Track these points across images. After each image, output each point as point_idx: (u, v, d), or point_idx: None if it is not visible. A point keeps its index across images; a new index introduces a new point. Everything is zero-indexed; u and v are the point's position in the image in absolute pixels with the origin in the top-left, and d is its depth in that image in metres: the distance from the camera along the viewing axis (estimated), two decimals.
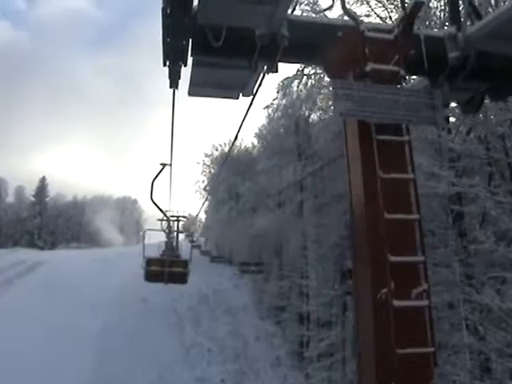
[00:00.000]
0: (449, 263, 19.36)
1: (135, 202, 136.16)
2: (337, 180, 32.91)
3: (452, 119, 20.91)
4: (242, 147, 63.33)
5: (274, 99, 39.55)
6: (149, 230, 25.41)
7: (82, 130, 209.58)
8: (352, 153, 6.01)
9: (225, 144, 71.54)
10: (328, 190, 33.67)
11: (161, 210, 20.09)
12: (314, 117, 39.64)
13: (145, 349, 37.59)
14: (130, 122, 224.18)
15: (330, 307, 32.25)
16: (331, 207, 33.55)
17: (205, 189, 76.87)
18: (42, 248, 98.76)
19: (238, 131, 9.41)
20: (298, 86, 28.42)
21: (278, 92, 29.35)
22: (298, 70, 27.47)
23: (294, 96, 38.34)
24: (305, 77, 27.70)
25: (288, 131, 40.21)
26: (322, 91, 31.26)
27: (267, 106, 39.73)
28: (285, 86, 28.67)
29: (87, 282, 50.91)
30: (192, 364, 37.67)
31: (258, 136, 51.65)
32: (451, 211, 19.96)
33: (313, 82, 28.32)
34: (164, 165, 16.31)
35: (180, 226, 55.70)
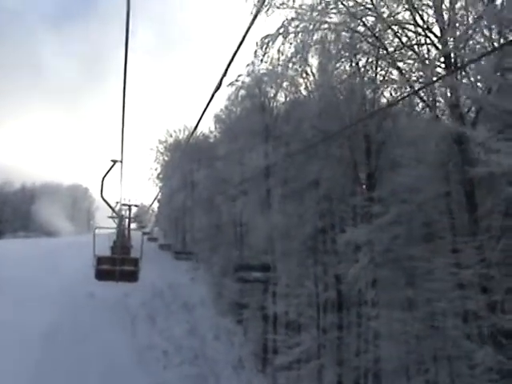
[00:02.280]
0: None
1: (86, 190, 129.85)
2: (311, 165, 28.59)
3: None
4: (199, 133, 58.24)
5: (239, 76, 34.96)
6: (99, 227, 23.80)
7: (32, 114, 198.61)
8: None
9: (180, 130, 67.43)
10: (301, 176, 29.14)
11: (112, 208, 19.40)
12: (281, 96, 34.95)
13: (94, 351, 32.77)
14: (84, 107, 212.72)
15: (304, 308, 27.88)
16: (304, 195, 29.10)
17: (158, 177, 72.73)
18: None
19: (202, 114, 8.17)
20: (282, 44, 23.99)
21: (255, 53, 24.64)
22: (282, 25, 22.91)
23: (260, 71, 33.86)
24: (291, 34, 23.16)
25: (253, 111, 35.38)
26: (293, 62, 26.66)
27: (231, 83, 34.97)
28: (264, 44, 23.98)
29: (33, 274, 45.81)
30: (147, 368, 32.79)
31: (217, 119, 46.53)
32: None
33: (299, 39, 23.67)
34: (115, 161, 15.34)
35: (132, 215, 51.94)
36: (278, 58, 25.89)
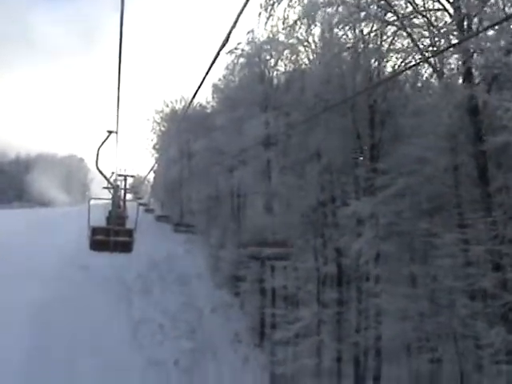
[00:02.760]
0: None
1: (81, 160, 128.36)
2: (312, 136, 27.57)
3: None
4: (196, 103, 56.81)
5: (239, 44, 33.75)
6: (94, 198, 22.48)
7: (25, 82, 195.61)
8: None
9: (176, 100, 66.08)
10: (302, 147, 28.13)
11: (107, 179, 18.59)
12: (281, 65, 33.75)
13: (87, 327, 31.78)
14: (78, 74, 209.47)
15: (304, 282, 27.08)
16: (305, 167, 28.12)
17: (154, 147, 71.77)
18: None
19: (202, 82, 7.60)
20: (288, 6, 22.97)
21: (259, 15, 23.49)
22: None
23: (261, 40, 32.73)
24: None
25: (253, 80, 34.14)
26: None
27: (230, 51, 33.73)
28: (269, 6, 22.82)
29: (24, 246, 44.46)
30: (142, 343, 31.94)
31: (215, 89, 45.21)
32: None
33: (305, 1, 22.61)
34: (110, 132, 15.13)
35: (128, 186, 50.96)
36: (283, 21, 24.67)
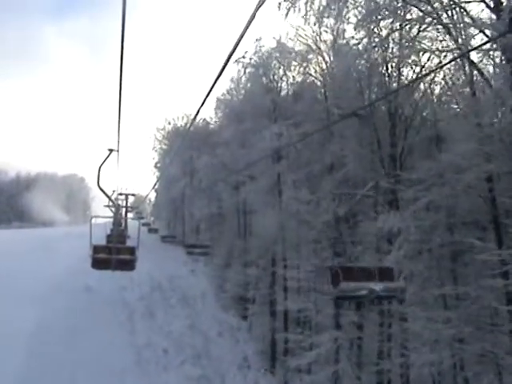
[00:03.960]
0: None
1: (82, 179, 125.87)
2: (328, 147, 25.49)
3: None
4: (198, 119, 54.89)
5: (246, 52, 31.83)
6: (96, 216, 21.78)
7: (25, 102, 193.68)
8: None
9: (178, 118, 64.29)
10: (316, 159, 26.01)
11: (109, 197, 18.56)
12: (291, 74, 31.79)
13: (88, 352, 29.34)
14: (80, 92, 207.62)
15: (320, 304, 24.75)
16: (320, 180, 25.97)
17: (156, 166, 69.91)
18: None
19: (208, 95, 7.38)
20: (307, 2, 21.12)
21: (279, 6, 21.45)
22: None
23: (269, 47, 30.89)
24: None
25: (261, 90, 32.11)
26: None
27: (237, 61, 31.73)
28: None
29: (24, 267, 42.13)
30: (145, 369, 29.54)
31: (220, 102, 43.23)
32: None
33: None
34: (111, 150, 15.19)
35: (129, 204, 48.80)
36: (306, 13, 22.61)
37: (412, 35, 21.58)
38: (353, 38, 24.54)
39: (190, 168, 58.06)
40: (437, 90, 23.04)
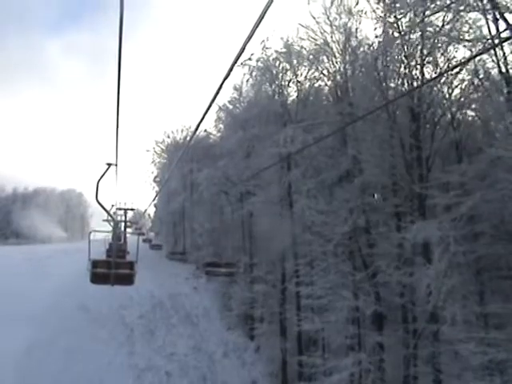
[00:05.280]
0: None
1: (80, 195, 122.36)
2: (345, 151, 23.17)
3: None
4: (198, 132, 52.53)
5: (252, 54, 29.56)
6: (95, 231, 21.76)
7: (22, 117, 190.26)
8: None
9: (177, 131, 62.19)
10: (332, 165, 23.65)
11: (107, 211, 18.40)
12: (301, 75, 29.40)
13: (85, 376, 26.94)
14: (78, 106, 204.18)
15: (340, 324, 22.17)
16: (337, 187, 23.59)
17: (155, 180, 67.80)
18: None
19: (211, 103, 7.18)
20: None
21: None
22: None
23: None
24: None
25: (269, 93, 29.84)
26: None
27: (243, 63, 29.47)
28: None
29: (17, 285, 39.70)
30: None
31: (222, 111, 40.70)
32: None
33: None
34: (109, 165, 14.86)
35: (128, 219, 46.41)
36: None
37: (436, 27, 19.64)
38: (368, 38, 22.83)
39: (191, 181, 56.11)
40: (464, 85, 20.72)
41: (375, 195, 24.12)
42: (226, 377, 30.58)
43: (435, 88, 21.11)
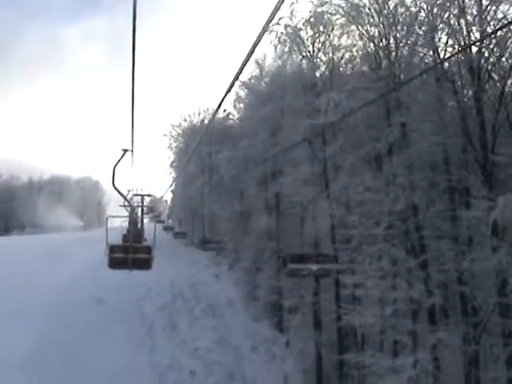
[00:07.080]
0: None
1: (97, 183, 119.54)
2: (393, 119, 19.87)
3: None
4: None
5: (280, 19, 26.17)
6: (112, 216, 23.11)
7: (37, 105, 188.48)
8: None
9: (194, 114, 60.02)
10: (380, 135, 20.33)
11: (124, 196, 17.95)
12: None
13: (102, 375, 23.95)
14: (93, 92, 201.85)
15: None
16: (387, 161, 20.32)
17: (172, 165, 65.28)
18: None
19: (232, 85, 7.09)
20: None
21: None
22: None
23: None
24: None
25: (299, 61, 26.64)
26: None
27: (270, 30, 26.07)
28: None
29: (30, 276, 36.79)
30: None
31: (245, 86, 37.50)
32: None
33: None
34: (125, 150, 14.38)
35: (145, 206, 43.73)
36: None
37: None
38: None
39: (209, 165, 53.34)
40: None
41: (431, 169, 20.74)
42: (255, 373, 27.58)
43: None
